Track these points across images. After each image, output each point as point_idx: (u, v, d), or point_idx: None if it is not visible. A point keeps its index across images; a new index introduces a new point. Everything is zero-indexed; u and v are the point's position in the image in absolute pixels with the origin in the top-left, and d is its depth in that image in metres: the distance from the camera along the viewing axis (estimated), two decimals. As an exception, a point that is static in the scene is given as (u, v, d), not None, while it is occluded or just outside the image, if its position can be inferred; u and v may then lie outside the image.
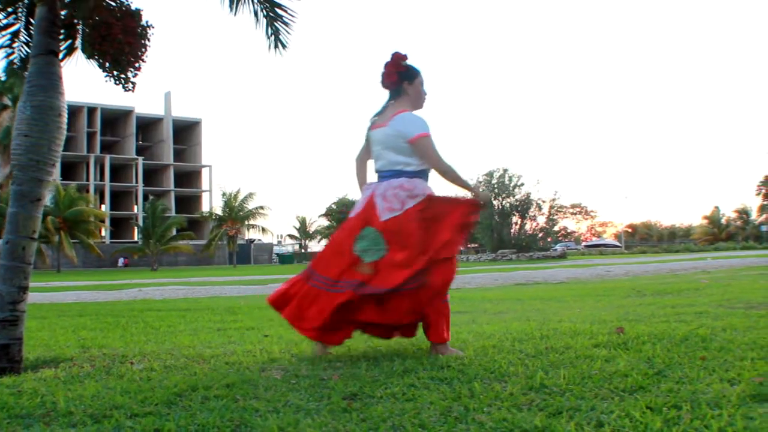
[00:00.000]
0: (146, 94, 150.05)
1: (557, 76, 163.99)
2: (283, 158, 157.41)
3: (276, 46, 4.99)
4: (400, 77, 4.16)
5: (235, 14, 4.98)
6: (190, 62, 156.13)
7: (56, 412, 2.78)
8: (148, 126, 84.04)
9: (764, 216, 67.88)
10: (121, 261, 60.92)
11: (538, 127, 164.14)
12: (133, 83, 4.70)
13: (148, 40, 4.60)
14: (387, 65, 4.18)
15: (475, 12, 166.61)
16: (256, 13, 4.99)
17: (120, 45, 4.41)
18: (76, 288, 19.35)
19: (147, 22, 4.60)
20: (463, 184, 4.21)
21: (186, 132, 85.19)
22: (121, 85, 4.68)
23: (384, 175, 4.13)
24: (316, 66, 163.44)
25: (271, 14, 4.97)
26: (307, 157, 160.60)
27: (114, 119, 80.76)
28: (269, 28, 4.96)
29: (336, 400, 2.84)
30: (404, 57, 4.17)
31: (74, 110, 75.22)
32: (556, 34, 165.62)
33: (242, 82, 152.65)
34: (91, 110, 76.96)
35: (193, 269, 50.14)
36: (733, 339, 4.16)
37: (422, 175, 4.12)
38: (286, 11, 4.94)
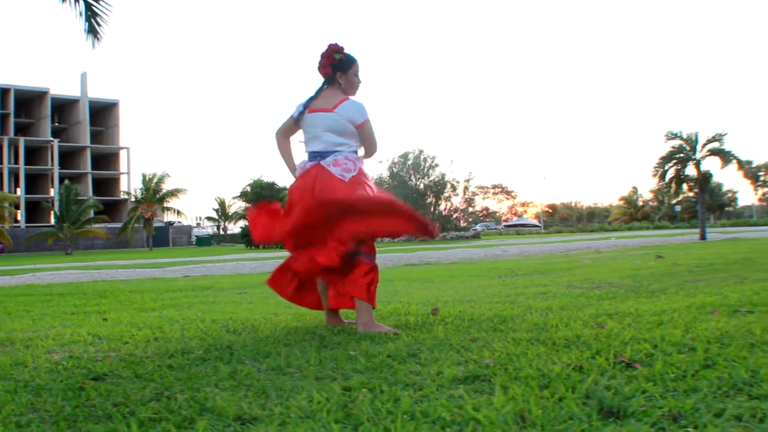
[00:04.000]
0: (62, 75, 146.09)
1: (473, 56, 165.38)
2: (202, 139, 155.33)
3: (90, 32, 4.91)
4: (334, 69, 4.38)
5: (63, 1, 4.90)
6: (107, 42, 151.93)
7: None
8: (63, 107, 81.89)
9: (681, 196, 69.80)
10: None
11: (456, 108, 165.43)
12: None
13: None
14: (322, 56, 4.40)
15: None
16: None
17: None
18: (-34, 274, 18.83)
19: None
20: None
21: (103, 113, 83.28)
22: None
23: (324, 154, 4.30)
24: (232, 47, 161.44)
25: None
26: (226, 138, 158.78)
27: (28, 100, 78.48)
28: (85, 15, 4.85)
29: (78, 380, 2.90)
30: (339, 49, 4.39)
31: (-14, 91, 73.13)
32: (472, 13, 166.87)
33: (160, 62, 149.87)
34: (4, 91, 74.62)
35: (108, 253, 49.17)
36: (530, 319, 4.33)
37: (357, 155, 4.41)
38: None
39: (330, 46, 4.37)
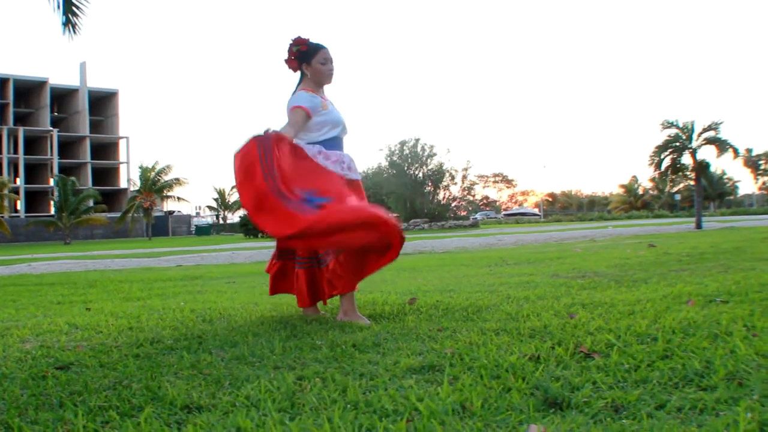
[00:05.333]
0: (61, 65, 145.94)
1: (470, 44, 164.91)
2: (201, 128, 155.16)
3: (65, 24, 4.89)
4: (299, 61, 4.39)
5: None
6: (106, 32, 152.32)
7: None
8: (63, 97, 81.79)
9: (682, 185, 69.64)
10: None
11: (456, 96, 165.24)
12: None
13: None
14: (287, 53, 4.42)
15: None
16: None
17: None
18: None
19: None
20: None
21: (102, 103, 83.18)
22: None
23: None
24: (232, 36, 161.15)
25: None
26: (226, 127, 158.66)
27: (27, 90, 78.35)
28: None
29: (43, 368, 2.94)
30: (299, 41, 4.37)
31: (-15, 81, 73.07)
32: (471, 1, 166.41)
33: (159, 52, 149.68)
34: (4, 81, 74.51)
35: (106, 242, 49.19)
36: (504, 309, 4.33)
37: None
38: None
39: (292, 40, 4.37)
